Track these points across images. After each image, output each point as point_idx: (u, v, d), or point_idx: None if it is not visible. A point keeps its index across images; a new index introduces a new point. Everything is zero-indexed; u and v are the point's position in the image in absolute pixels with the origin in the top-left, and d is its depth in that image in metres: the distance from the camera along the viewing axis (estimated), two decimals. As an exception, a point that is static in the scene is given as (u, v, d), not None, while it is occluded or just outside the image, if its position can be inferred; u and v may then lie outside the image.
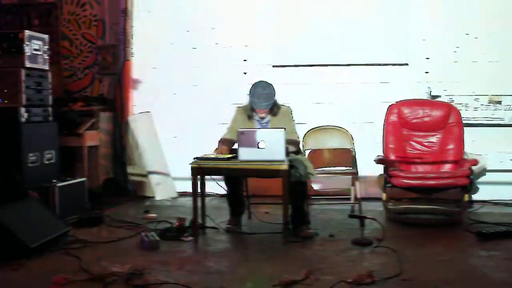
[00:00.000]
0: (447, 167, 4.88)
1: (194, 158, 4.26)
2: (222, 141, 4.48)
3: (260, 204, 5.06)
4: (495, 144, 5.56)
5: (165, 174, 5.99)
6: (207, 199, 4.52)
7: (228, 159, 4.20)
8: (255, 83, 4.44)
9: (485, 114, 5.58)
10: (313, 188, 5.07)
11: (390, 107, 5.26)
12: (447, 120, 5.13)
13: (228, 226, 4.48)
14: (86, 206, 4.95)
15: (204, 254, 3.87)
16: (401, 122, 5.18)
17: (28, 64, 4.72)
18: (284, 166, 4.03)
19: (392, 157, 4.97)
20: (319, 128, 5.40)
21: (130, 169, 6.03)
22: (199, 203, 4.29)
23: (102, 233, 4.36)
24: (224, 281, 3.23)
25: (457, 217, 4.76)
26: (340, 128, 5.34)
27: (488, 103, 5.56)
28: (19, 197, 4.24)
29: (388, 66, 5.75)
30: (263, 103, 4.36)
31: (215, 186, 4.56)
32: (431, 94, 5.62)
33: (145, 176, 5.95)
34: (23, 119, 4.67)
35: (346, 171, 5.12)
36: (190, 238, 4.15)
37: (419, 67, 5.70)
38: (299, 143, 4.64)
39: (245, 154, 4.08)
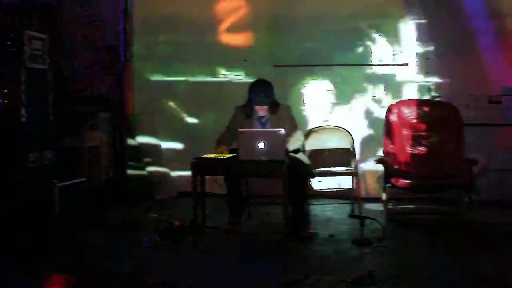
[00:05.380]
0: (447, 167, 4.87)
1: (195, 158, 4.27)
2: (221, 141, 4.49)
3: (260, 204, 5.06)
4: (495, 144, 5.56)
5: (165, 174, 5.99)
6: (207, 199, 4.52)
7: (228, 159, 4.20)
8: (254, 80, 4.48)
9: (485, 114, 5.57)
10: (313, 188, 5.07)
11: (390, 107, 5.26)
12: (447, 120, 5.13)
13: (228, 226, 4.47)
14: (86, 206, 4.96)
15: (204, 254, 3.87)
16: (401, 122, 5.17)
17: (28, 64, 4.72)
18: (284, 166, 4.03)
19: (392, 157, 4.97)
20: (319, 128, 5.40)
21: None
22: (199, 203, 4.29)
23: (102, 233, 4.36)
24: (224, 281, 3.24)
25: (457, 217, 4.76)
26: (340, 128, 5.34)
27: (488, 103, 5.56)
28: (19, 197, 4.24)
29: (388, 66, 5.75)
30: (261, 99, 4.37)
31: (215, 186, 4.57)
32: (431, 94, 5.62)
33: (145, 176, 5.96)
34: (23, 119, 4.66)
35: (346, 171, 5.12)
36: (190, 238, 4.15)
37: (419, 67, 5.70)
38: (302, 139, 4.63)
39: (245, 154, 4.08)
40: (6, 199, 4.18)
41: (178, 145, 6.06)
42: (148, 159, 5.96)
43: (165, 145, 6.10)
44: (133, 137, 6.00)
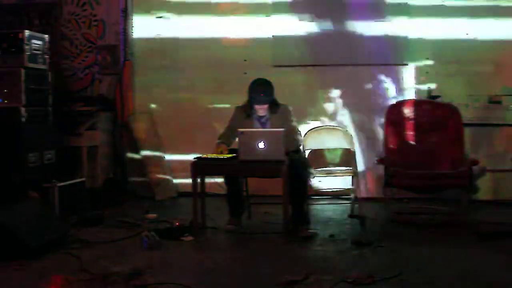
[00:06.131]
0: (447, 167, 4.88)
1: (195, 158, 4.27)
2: (221, 141, 4.49)
3: (260, 204, 5.06)
4: (495, 144, 5.56)
5: (165, 174, 5.99)
6: (207, 199, 4.53)
7: (228, 159, 4.20)
8: (254, 79, 4.48)
9: (485, 114, 5.57)
10: (313, 188, 5.07)
11: (390, 107, 5.26)
12: (447, 120, 5.13)
13: (228, 226, 4.48)
14: (86, 206, 4.96)
15: (204, 254, 3.87)
16: (401, 122, 5.17)
17: (28, 64, 4.72)
18: (284, 166, 4.03)
19: (392, 157, 4.97)
20: (319, 128, 5.40)
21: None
22: (199, 203, 4.29)
23: (102, 233, 4.36)
24: (224, 281, 3.24)
25: (457, 217, 4.76)
26: (340, 128, 5.34)
27: (488, 103, 5.56)
28: (19, 197, 4.24)
29: (388, 66, 5.74)
30: (262, 98, 4.37)
31: (215, 186, 4.57)
32: (431, 94, 5.62)
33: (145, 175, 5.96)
34: (23, 119, 4.66)
35: (346, 171, 5.12)
36: (190, 238, 4.15)
37: (419, 67, 5.70)
38: (300, 140, 4.64)
39: (245, 154, 4.08)
40: (6, 199, 4.17)
41: (178, 145, 6.07)
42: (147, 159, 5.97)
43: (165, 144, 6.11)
44: (132, 137, 6.00)
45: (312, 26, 5.81)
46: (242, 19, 5.93)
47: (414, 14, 5.66)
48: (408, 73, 5.72)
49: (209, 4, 5.97)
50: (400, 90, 5.72)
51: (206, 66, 5.99)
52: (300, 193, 4.29)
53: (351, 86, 5.82)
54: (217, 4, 5.96)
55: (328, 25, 5.78)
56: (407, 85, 5.73)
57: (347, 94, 5.82)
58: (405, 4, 5.64)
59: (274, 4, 5.86)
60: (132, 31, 6.09)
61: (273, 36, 5.86)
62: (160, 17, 5.94)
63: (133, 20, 6.10)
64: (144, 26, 6.11)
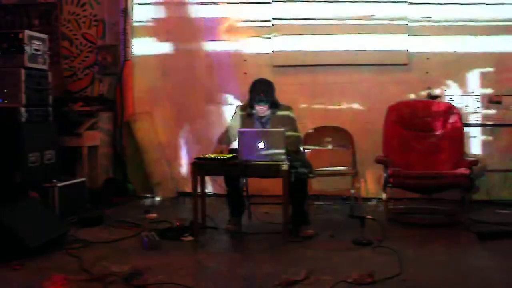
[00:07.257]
0: (447, 167, 4.87)
1: (195, 158, 4.27)
2: (221, 141, 4.50)
3: (260, 204, 5.06)
4: (495, 144, 5.56)
5: (165, 174, 5.99)
6: (207, 199, 4.53)
7: (228, 159, 4.20)
8: (255, 79, 4.48)
9: (485, 114, 5.57)
10: (313, 188, 5.06)
11: (390, 107, 5.26)
12: (447, 120, 5.13)
13: (228, 226, 4.47)
14: (86, 206, 4.96)
15: (204, 254, 3.87)
16: (401, 122, 5.17)
17: (28, 64, 4.72)
18: (284, 166, 4.03)
19: (392, 157, 4.97)
20: (319, 128, 5.40)
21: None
22: (199, 203, 4.29)
23: (102, 233, 4.36)
24: (224, 281, 3.24)
25: (457, 217, 4.76)
26: (340, 128, 5.34)
27: (488, 103, 5.56)
28: (19, 197, 4.24)
29: (388, 66, 5.74)
30: (262, 98, 4.37)
31: (215, 186, 4.57)
32: (431, 94, 5.62)
33: (145, 175, 5.96)
34: (23, 119, 4.66)
35: (346, 171, 5.12)
36: (190, 238, 4.15)
37: (419, 67, 5.69)
38: (300, 141, 4.64)
39: (245, 154, 4.08)
40: (6, 199, 4.17)
41: (177, 145, 6.07)
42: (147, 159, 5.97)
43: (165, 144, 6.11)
44: (133, 137, 6.00)
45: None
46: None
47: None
48: (408, 73, 5.70)
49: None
50: (400, 90, 5.71)
51: (206, 65, 6.00)
52: (300, 193, 4.29)
53: (352, 86, 5.81)
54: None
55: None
56: (407, 85, 5.71)
57: (347, 94, 5.81)
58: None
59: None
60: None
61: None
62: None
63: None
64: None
